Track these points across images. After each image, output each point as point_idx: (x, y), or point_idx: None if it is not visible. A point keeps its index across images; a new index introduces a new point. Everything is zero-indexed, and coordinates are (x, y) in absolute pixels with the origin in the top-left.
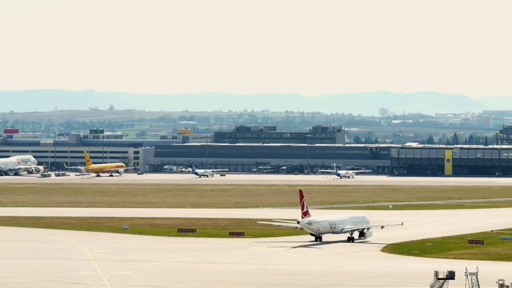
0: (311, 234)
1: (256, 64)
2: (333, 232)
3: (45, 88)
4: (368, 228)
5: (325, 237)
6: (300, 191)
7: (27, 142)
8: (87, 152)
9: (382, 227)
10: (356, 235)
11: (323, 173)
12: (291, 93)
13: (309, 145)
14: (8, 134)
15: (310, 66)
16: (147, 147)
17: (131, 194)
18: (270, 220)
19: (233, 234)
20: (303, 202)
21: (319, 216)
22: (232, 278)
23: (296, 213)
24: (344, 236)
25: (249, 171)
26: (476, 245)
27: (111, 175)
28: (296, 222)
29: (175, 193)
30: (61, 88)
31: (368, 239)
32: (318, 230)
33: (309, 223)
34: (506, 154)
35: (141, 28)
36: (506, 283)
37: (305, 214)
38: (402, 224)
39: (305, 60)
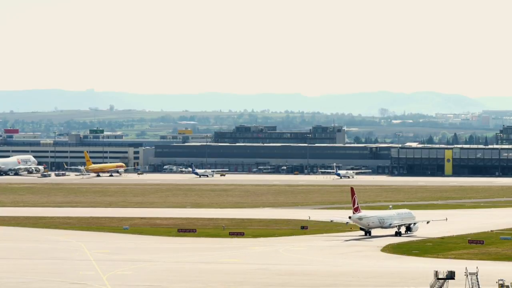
0: (361, 229)
1: (256, 64)
2: (382, 227)
3: (45, 88)
4: (414, 223)
5: (374, 232)
6: (352, 189)
7: (27, 142)
8: (87, 152)
9: (428, 222)
10: (403, 229)
11: (323, 173)
12: (291, 93)
13: (309, 145)
14: (8, 134)
15: (310, 66)
16: (147, 147)
17: (131, 194)
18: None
19: (233, 234)
20: (354, 198)
21: (369, 212)
22: (232, 278)
23: (297, 213)
24: (392, 231)
25: (249, 171)
26: (476, 245)
27: (111, 175)
28: (348, 217)
29: (175, 193)
30: (61, 88)
31: (414, 233)
32: (368, 225)
33: (360, 218)
34: (506, 154)
35: (141, 28)
36: (506, 283)
37: (356, 210)
38: (447, 219)
39: (305, 60)
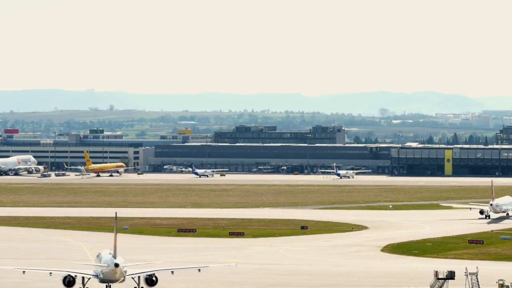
0: (480, 212)
1: (256, 64)
2: (502, 211)
3: (45, 88)
4: None
5: (492, 215)
6: (491, 181)
7: (27, 142)
8: (87, 152)
9: None
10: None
11: (323, 173)
12: (291, 93)
13: (309, 145)
14: (8, 134)
15: (310, 66)
16: (147, 147)
17: (131, 194)
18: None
19: (233, 234)
20: (492, 190)
21: (499, 200)
22: (232, 278)
23: (297, 213)
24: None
25: (249, 171)
26: (476, 245)
27: (111, 175)
28: (489, 205)
29: (175, 193)
30: (61, 88)
31: None
32: (501, 210)
33: (497, 205)
34: (506, 154)
35: (141, 28)
36: (506, 283)
37: (493, 199)
38: None
39: (305, 60)
